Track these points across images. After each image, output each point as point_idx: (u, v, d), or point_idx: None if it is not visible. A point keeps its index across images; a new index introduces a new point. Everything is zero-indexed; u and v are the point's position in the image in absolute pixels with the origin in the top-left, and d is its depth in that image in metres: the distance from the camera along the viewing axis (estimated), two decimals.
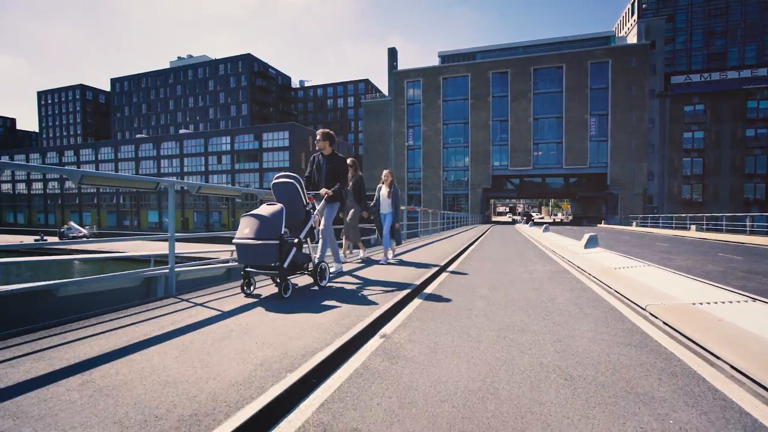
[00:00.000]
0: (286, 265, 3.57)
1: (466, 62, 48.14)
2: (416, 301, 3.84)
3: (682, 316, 3.05)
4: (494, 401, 1.82)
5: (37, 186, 63.62)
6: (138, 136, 64.46)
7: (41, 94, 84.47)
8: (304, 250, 4.05)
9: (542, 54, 45.15)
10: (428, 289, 4.51)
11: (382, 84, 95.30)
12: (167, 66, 74.83)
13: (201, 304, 3.33)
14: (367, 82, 75.02)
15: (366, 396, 1.85)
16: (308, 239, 4.06)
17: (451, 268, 6.30)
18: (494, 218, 69.45)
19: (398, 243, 6.97)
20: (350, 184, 6.20)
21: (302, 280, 4.57)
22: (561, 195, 52.33)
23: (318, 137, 4.89)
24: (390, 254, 6.84)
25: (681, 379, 2.11)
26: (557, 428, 1.61)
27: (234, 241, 3.54)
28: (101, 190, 55.36)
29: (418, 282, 4.52)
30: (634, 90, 41.75)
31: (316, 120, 77.62)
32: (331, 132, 4.91)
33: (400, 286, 4.27)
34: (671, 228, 26.52)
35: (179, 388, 1.78)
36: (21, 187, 65.00)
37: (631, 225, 32.50)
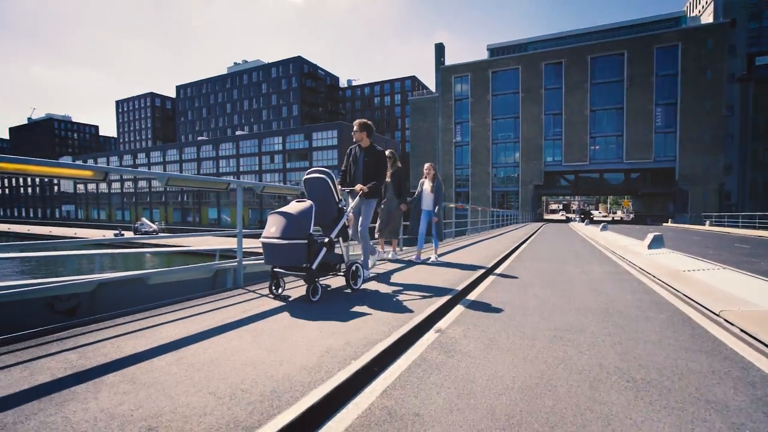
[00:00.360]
0: (314, 266, 3.35)
1: (516, 54, 46.45)
2: (459, 308, 3.60)
3: (765, 325, 2.83)
4: (552, 397, 1.85)
5: (116, 186, 70.54)
6: (199, 138, 69.27)
7: (119, 103, 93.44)
8: (336, 251, 3.83)
9: (601, 41, 42.38)
10: (477, 290, 4.50)
11: (429, 81, 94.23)
12: (225, 72, 79.57)
13: (266, 295, 3.62)
14: (413, 79, 74.81)
15: (425, 385, 1.96)
16: (340, 239, 3.82)
17: (501, 268, 6.22)
18: (546, 216, 66.49)
19: (440, 239, 6.59)
20: (389, 176, 5.93)
21: (335, 281, 4.36)
22: (621, 191, 48.96)
23: (355, 128, 4.52)
24: (432, 255, 6.40)
25: (761, 389, 1.99)
26: (619, 428, 1.61)
27: (260, 240, 3.37)
28: (168, 188, 59.97)
29: (460, 287, 4.13)
30: (709, 74, 37.85)
31: (364, 118, 78.71)
32: (369, 122, 4.51)
33: (438, 291, 3.86)
34: (754, 228, 23.86)
35: (258, 368, 2.00)
36: (102, 187, 72.46)
37: (704, 224, 29.68)
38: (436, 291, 3.90)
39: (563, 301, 3.83)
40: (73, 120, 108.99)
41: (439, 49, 52.40)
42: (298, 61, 70.81)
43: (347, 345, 2.34)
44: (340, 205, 3.77)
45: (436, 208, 6.13)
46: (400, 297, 3.64)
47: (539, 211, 50.38)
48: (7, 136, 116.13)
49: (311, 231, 3.36)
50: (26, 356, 2.11)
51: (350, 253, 5.96)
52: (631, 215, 60.69)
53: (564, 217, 68.67)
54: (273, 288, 3.55)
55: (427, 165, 6.33)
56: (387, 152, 5.77)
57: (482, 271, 5.36)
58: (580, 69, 42.60)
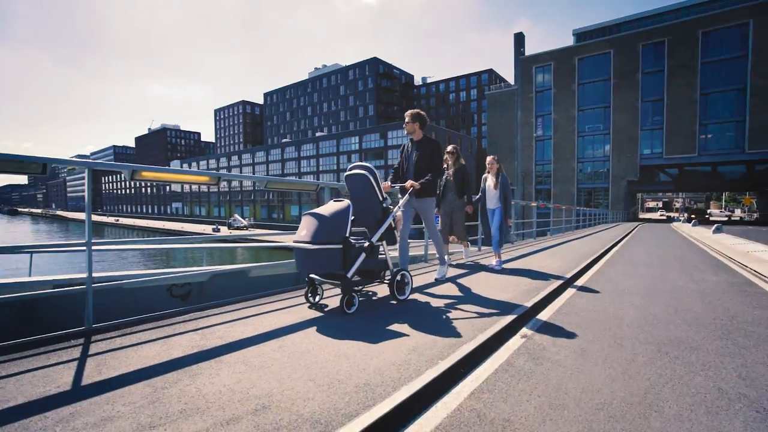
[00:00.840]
0: (350, 274, 3.00)
1: (607, 37, 42.19)
2: (536, 322, 3.34)
3: None
4: (659, 419, 1.70)
5: (213, 186, 79.06)
6: (283, 140, 74.60)
7: (216, 111, 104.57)
8: (380, 256, 3.41)
9: (717, 12, 36.52)
10: (560, 299, 4.24)
11: (507, 73, 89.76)
12: (306, 77, 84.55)
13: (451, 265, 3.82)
14: (490, 72, 72.07)
15: (514, 391, 1.93)
16: (384, 243, 3.39)
17: (589, 273, 5.77)
18: (642, 215, 59.55)
19: (505, 241, 5.99)
20: (451, 174, 5.51)
21: (383, 288, 3.96)
22: (741, 187, 41.97)
23: (406, 119, 4.07)
24: (494, 260, 5.66)
25: None
26: None
27: (291, 244, 3.06)
28: (257, 187, 65.51)
29: (530, 301, 3.58)
30: None
31: (439, 115, 77.98)
32: (422, 112, 4.07)
33: (501, 307, 3.22)
34: None
35: (350, 360, 2.14)
36: (203, 187, 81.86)
37: None
38: (499, 306, 3.31)
39: (668, 313, 3.44)
40: (181, 128, 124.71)
41: (519, 39, 49.73)
42: (374, 62, 72.47)
43: (433, 344, 2.39)
44: (384, 204, 3.37)
45: (505, 206, 5.57)
46: (452, 314, 3.09)
47: (633, 210, 45.29)
48: (133, 144, 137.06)
49: (348, 234, 3.01)
50: (162, 334, 2.52)
51: (412, 253, 5.98)
52: (755, 215, 51.65)
53: (664, 217, 60.84)
54: (309, 296, 3.27)
55: (489, 158, 5.66)
56: (449, 148, 5.56)
57: (560, 282, 4.54)
58: (688, 47, 37.25)
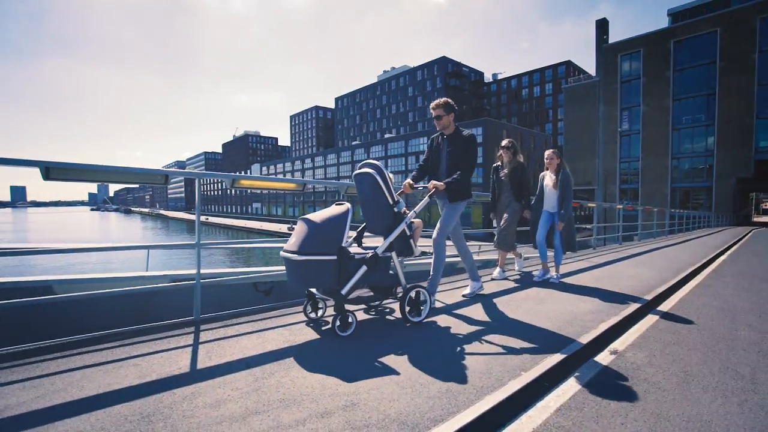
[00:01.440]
0: (345, 290, 2.60)
1: (713, 14, 37.01)
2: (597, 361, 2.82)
3: None
4: None
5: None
6: (353, 143, 77.08)
7: (292, 117, 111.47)
8: (390, 269, 2.96)
9: None
10: (645, 323, 3.81)
11: (587, 64, 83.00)
12: (375, 80, 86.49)
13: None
14: (568, 64, 67.33)
15: (606, 412, 1.82)
16: (394, 254, 2.93)
17: (688, 287, 5.14)
18: (757, 218, 51.34)
19: (571, 249, 4.86)
20: (507, 172, 4.83)
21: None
22: None
23: (436, 111, 3.42)
24: (553, 273, 4.92)
25: None
26: None
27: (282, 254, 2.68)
28: (326, 188, 68.44)
29: (585, 337, 2.74)
30: None
31: (510, 113, 74.86)
32: (450, 101, 3.46)
33: (546, 340, 2.51)
34: None
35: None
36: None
37: None
38: (540, 339, 2.58)
39: None
40: (261, 134, 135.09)
41: (601, 25, 45.72)
42: (443, 62, 71.76)
43: (514, 354, 2.33)
44: (396, 209, 2.89)
45: (563, 209, 4.65)
46: (471, 346, 2.46)
47: (745, 213, 39.10)
48: (220, 150, 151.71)
49: (345, 243, 2.62)
50: (257, 327, 2.79)
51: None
52: None
53: None
54: (308, 310, 2.94)
55: (547, 153, 4.84)
56: (505, 142, 4.88)
57: (644, 299, 3.90)
58: None
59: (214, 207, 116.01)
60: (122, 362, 2.16)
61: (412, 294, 2.90)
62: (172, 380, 1.95)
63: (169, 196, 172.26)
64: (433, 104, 3.43)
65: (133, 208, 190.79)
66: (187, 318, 2.92)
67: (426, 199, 3.26)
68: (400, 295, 2.90)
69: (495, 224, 4.96)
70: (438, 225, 3.49)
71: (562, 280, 4.88)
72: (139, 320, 2.88)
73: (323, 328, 2.80)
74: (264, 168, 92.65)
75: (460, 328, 2.85)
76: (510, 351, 2.39)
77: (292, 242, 2.61)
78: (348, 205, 2.75)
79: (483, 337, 2.63)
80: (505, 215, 4.76)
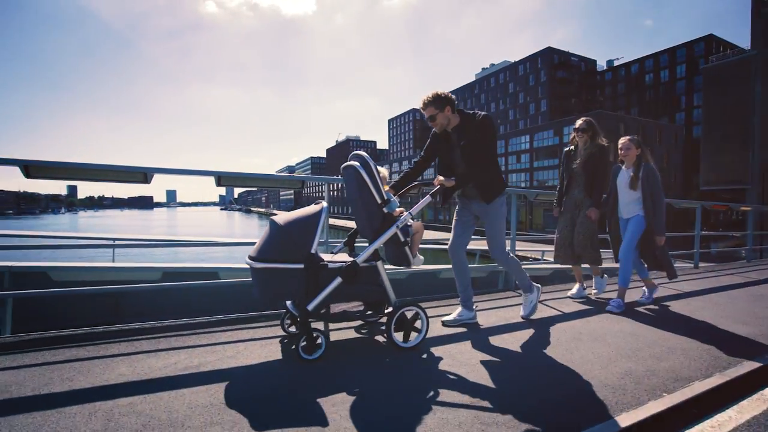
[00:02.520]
0: (312, 305, 2.21)
1: None
2: None
3: None
4: None
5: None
6: None
7: (390, 121, 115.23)
8: (375, 281, 2.44)
9: None
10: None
11: (737, 38, 69.23)
12: (473, 79, 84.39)
13: (540, 302, 3.70)
14: (708, 40, 56.80)
15: None
16: (379, 263, 2.43)
17: None
18: None
19: (670, 275, 3.74)
20: (581, 161, 3.83)
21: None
22: None
23: (429, 112, 2.76)
24: (644, 293, 3.90)
25: None
26: None
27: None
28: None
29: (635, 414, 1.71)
30: None
31: (629, 103, 66.19)
32: (440, 93, 2.73)
33: (573, 408, 1.68)
34: None
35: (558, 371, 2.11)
36: None
37: None
38: (552, 410, 1.72)
39: None
40: (361, 138, 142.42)
41: None
42: (547, 53, 66.74)
43: (651, 373, 2.13)
44: (387, 209, 2.44)
45: (653, 215, 3.54)
46: (452, 394, 1.84)
47: None
48: (324, 155, 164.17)
49: (315, 249, 2.23)
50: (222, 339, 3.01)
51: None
52: None
53: None
54: (285, 323, 2.65)
55: (623, 140, 3.68)
56: (579, 122, 3.89)
57: (745, 366, 2.22)
58: None
59: (330, 207, 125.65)
60: (271, 340, 2.55)
61: (401, 315, 2.41)
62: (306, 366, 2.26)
63: (280, 197, 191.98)
64: (420, 104, 2.78)
65: (252, 208, 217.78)
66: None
67: (427, 198, 2.73)
68: (387, 313, 2.43)
69: (557, 228, 4.04)
70: (489, 241, 2.96)
71: (668, 304, 3.77)
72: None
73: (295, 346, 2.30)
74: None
75: (451, 364, 2.22)
76: (494, 424, 1.60)
77: (255, 247, 2.27)
78: (323, 204, 2.36)
79: (475, 390, 1.91)
80: (579, 218, 3.85)
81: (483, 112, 2.79)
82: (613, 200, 3.81)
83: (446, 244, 3.20)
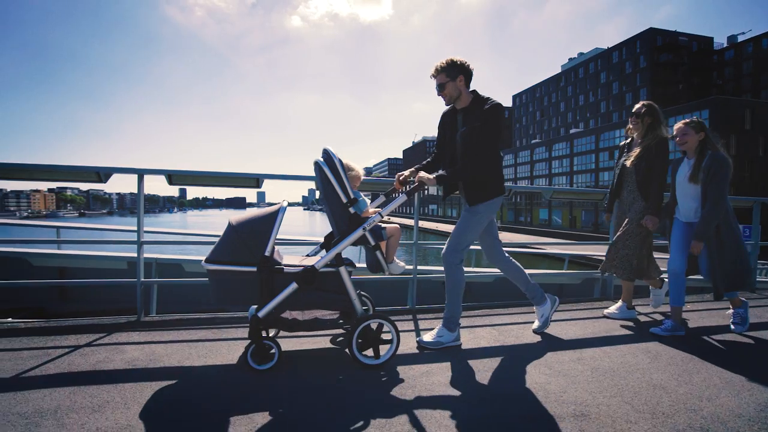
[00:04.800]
0: (263, 312, 2.07)
1: None
2: None
3: None
4: None
5: None
6: (533, 141, 72.11)
7: None
8: (338, 288, 2.21)
9: None
10: None
11: None
12: (558, 71, 78.60)
13: (643, 313, 3.37)
14: None
15: None
16: (342, 268, 2.20)
17: None
18: None
19: (745, 287, 2.99)
20: (634, 155, 3.17)
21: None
22: None
23: (440, 79, 2.46)
24: (737, 315, 3.03)
25: None
26: None
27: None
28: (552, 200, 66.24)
29: None
30: None
31: (758, 85, 56.13)
32: (456, 59, 2.44)
33: None
34: None
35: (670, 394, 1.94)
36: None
37: None
38: None
39: None
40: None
41: None
42: (648, 36, 59.46)
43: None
44: (353, 209, 2.23)
45: (706, 217, 2.78)
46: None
47: None
48: (401, 156, 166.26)
49: (267, 252, 2.08)
50: (468, 323, 3.02)
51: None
52: None
53: None
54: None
55: (679, 126, 2.94)
56: (637, 106, 3.24)
57: None
58: None
59: (398, 208, 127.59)
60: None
61: (364, 327, 2.16)
62: (409, 357, 2.35)
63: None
64: (432, 69, 2.48)
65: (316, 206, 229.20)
66: (404, 307, 3.42)
67: (401, 196, 2.44)
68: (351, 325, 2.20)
69: (611, 235, 3.51)
70: (451, 235, 2.59)
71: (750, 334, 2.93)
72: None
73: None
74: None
75: (413, 393, 1.89)
76: None
77: (211, 248, 2.16)
78: (283, 204, 2.21)
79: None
80: (629, 222, 3.18)
81: (496, 100, 2.44)
82: (673, 199, 3.10)
83: (533, 248, 3.08)
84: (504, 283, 4.87)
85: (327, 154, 2.22)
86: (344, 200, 2.20)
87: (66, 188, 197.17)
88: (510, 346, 2.60)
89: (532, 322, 3.03)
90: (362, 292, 2.63)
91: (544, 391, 1.94)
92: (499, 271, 2.87)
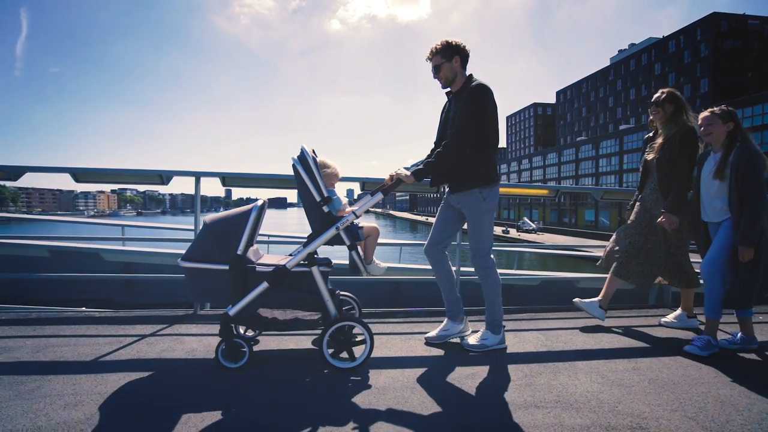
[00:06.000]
0: (234, 311, 2.09)
1: None
2: None
3: None
4: None
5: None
6: (578, 139, 68.85)
7: (508, 118, 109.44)
8: (311, 288, 2.18)
9: None
10: None
11: None
12: (607, 64, 74.45)
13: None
14: None
15: None
16: (314, 268, 2.16)
17: None
18: None
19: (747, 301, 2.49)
20: (656, 146, 2.89)
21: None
22: None
23: (435, 63, 2.43)
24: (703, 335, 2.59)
25: None
26: None
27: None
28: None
29: None
30: None
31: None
32: (451, 41, 2.39)
33: None
34: None
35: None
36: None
37: None
38: None
39: None
40: None
41: None
42: (711, 21, 54.82)
43: None
44: (327, 208, 2.20)
45: (748, 217, 2.42)
46: None
47: None
48: None
49: (240, 251, 2.10)
50: (515, 327, 2.95)
51: None
52: None
53: None
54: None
55: (704, 115, 2.63)
56: (658, 93, 2.91)
57: None
58: None
59: (433, 208, 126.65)
60: (412, 335, 2.74)
61: (336, 329, 2.12)
62: (450, 359, 2.34)
63: (396, 198, 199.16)
64: (427, 52, 2.43)
65: (370, 209, 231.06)
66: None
67: (377, 195, 2.34)
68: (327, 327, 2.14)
69: (628, 233, 3.10)
70: (469, 241, 2.49)
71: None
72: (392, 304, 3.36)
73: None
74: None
75: (380, 403, 1.79)
76: None
77: (188, 247, 2.22)
78: (258, 202, 2.22)
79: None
80: (650, 222, 2.89)
81: (481, 81, 2.36)
82: (696, 196, 2.75)
83: (582, 250, 2.96)
84: (550, 287, 4.75)
85: (301, 152, 2.19)
86: (317, 199, 2.17)
87: (126, 189, 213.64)
88: (558, 351, 2.51)
89: (581, 328, 2.93)
90: (348, 294, 2.65)
91: (597, 400, 1.86)
92: (544, 274, 2.80)
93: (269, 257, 2.37)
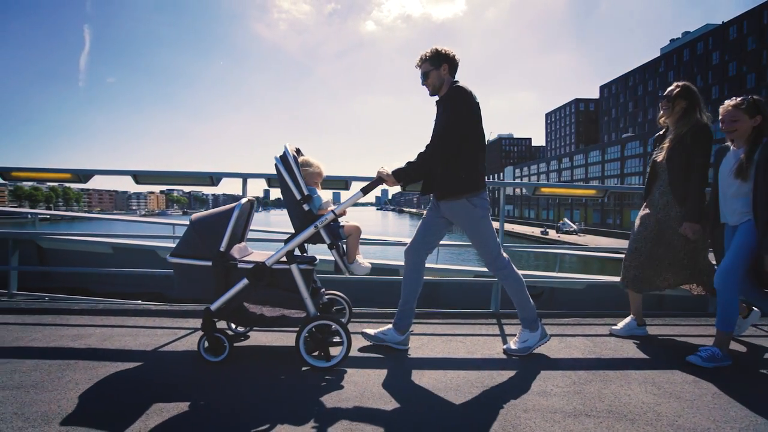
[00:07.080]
0: (215, 305, 2.14)
1: None
2: None
3: None
4: None
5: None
6: (624, 135, 65.27)
7: (547, 115, 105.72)
8: (291, 286, 2.19)
9: None
10: None
11: None
12: (657, 55, 70.00)
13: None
14: None
15: None
16: (294, 266, 2.17)
17: None
18: None
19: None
20: (666, 146, 2.66)
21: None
22: None
23: (423, 69, 2.41)
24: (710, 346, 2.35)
25: None
26: None
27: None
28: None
29: None
30: None
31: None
32: (440, 48, 2.36)
33: None
34: None
35: None
36: (525, 190, 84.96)
37: None
38: None
39: None
40: (514, 136, 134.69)
41: None
42: None
43: None
44: (308, 206, 2.20)
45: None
46: None
47: None
48: None
49: (224, 247, 2.15)
50: (588, 331, 2.86)
51: None
52: None
53: None
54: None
55: (725, 108, 2.36)
56: (671, 87, 2.64)
57: None
58: None
59: None
60: (453, 337, 2.72)
61: (314, 328, 2.12)
62: (492, 362, 2.31)
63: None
64: (417, 59, 2.43)
65: (404, 209, 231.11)
66: (488, 310, 3.34)
67: (357, 193, 2.29)
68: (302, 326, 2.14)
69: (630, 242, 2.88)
70: (477, 251, 2.49)
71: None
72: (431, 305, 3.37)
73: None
74: (517, 170, 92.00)
75: (357, 400, 1.82)
76: None
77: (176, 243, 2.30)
78: (242, 201, 2.27)
79: None
80: (661, 228, 2.67)
81: (460, 85, 2.32)
82: (715, 197, 2.49)
83: (622, 253, 2.83)
84: (595, 291, 4.55)
85: (284, 150, 2.22)
86: (298, 197, 2.19)
87: (173, 189, 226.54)
88: (608, 359, 2.41)
89: (632, 336, 2.79)
90: (338, 293, 2.68)
91: (654, 413, 1.76)
92: (589, 277, 2.71)
93: (256, 254, 2.41)
